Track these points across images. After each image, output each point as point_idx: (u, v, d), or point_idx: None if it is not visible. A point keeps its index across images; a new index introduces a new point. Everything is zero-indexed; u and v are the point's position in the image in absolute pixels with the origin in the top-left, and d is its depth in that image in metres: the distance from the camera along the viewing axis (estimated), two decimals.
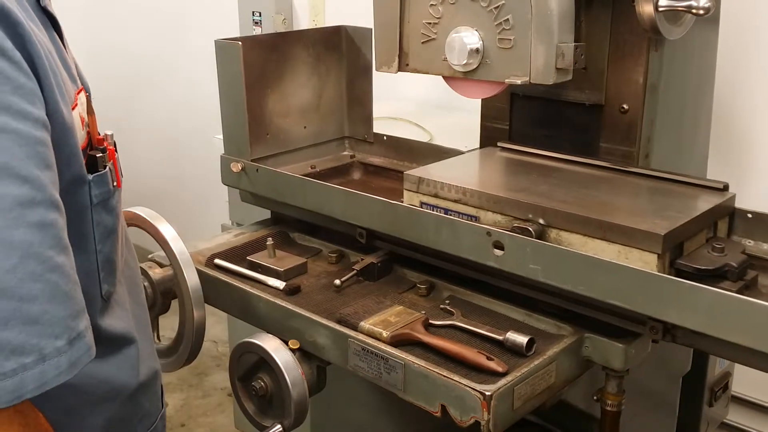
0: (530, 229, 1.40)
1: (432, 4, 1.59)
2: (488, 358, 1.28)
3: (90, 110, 1.08)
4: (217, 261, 1.71)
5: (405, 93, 2.93)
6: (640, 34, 1.54)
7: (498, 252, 1.37)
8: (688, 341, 1.31)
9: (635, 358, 1.36)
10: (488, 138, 1.83)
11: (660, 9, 1.46)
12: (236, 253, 1.74)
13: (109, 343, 1.09)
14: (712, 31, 1.75)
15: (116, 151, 1.12)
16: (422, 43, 1.62)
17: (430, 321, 1.42)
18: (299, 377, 1.42)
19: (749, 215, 1.47)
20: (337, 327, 1.40)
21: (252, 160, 1.81)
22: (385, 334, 1.36)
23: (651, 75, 1.58)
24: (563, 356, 1.33)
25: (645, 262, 1.30)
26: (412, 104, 2.86)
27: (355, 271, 1.60)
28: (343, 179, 1.94)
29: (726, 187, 1.49)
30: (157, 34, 4.15)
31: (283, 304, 1.50)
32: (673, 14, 1.50)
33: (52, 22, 1.05)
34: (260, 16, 3.32)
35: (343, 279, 1.58)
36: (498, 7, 1.49)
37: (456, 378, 1.24)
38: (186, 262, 1.55)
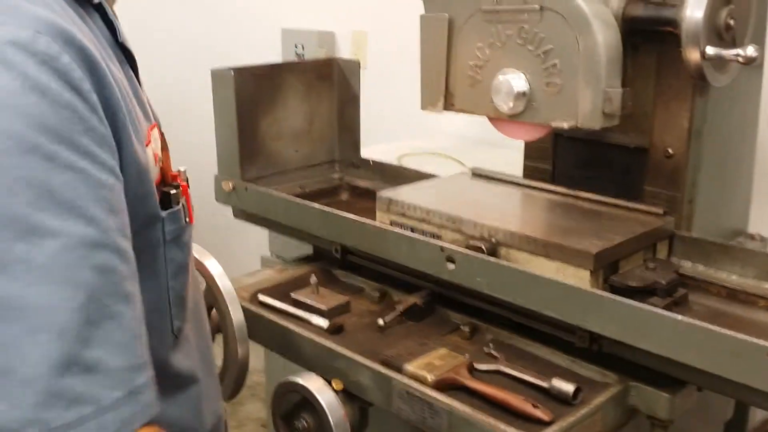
0: (482, 246, 1.50)
1: (479, 47, 1.60)
2: (534, 406, 1.28)
3: (164, 146, 1.07)
4: (261, 297, 1.72)
5: (446, 128, 2.94)
6: (686, 79, 1.54)
7: (450, 266, 1.48)
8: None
9: (681, 407, 1.35)
10: (530, 178, 1.84)
11: (707, 57, 1.46)
12: (280, 290, 1.76)
13: (176, 381, 1.07)
14: (756, 76, 1.74)
15: (189, 186, 1.11)
16: (468, 85, 1.63)
17: (475, 365, 1.42)
18: (342, 418, 1.43)
19: (687, 239, 1.57)
20: (382, 369, 1.41)
21: (245, 181, 1.93)
22: (429, 378, 1.36)
23: (696, 120, 1.58)
24: (609, 405, 1.32)
25: (579, 278, 1.40)
26: (453, 139, 2.86)
27: (398, 312, 1.61)
28: (330, 200, 2.03)
29: (666, 213, 1.58)
30: (199, 65, 4.18)
31: (328, 344, 1.51)
32: (720, 62, 1.50)
33: (127, 58, 1.05)
34: (303, 49, 3.35)
35: (386, 319, 1.59)
36: (546, 51, 1.50)
37: (502, 426, 1.24)
38: (232, 299, 1.56)
